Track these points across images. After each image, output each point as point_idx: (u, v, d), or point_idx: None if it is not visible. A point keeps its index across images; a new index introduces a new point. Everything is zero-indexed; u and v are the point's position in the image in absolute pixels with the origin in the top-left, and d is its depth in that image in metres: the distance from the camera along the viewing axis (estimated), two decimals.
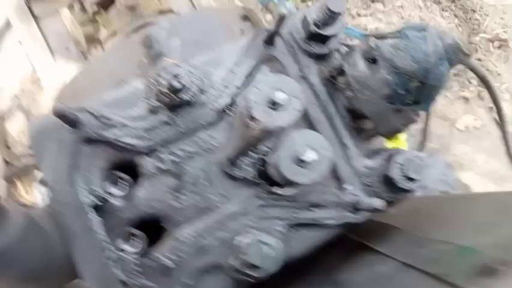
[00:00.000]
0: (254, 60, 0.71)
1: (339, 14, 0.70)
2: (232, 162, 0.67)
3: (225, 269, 0.68)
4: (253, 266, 0.64)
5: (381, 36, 0.68)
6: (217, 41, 0.93)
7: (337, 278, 0.77)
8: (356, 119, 0.73)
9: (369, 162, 0.73)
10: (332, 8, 0.68)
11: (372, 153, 0.74)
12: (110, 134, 0.66)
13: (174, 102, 0.66)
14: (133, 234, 0.67)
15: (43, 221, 0.67)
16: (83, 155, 0.66)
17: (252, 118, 0.61)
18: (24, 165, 1.84)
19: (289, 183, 0.62)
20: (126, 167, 0.68)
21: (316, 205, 0.71)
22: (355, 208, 0.71)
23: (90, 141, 0.66)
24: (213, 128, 0.70)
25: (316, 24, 0.71)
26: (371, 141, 0.76)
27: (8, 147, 1.93)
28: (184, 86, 0.65)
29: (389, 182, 0.71)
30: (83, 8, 1.51)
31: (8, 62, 1.97)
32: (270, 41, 0.71)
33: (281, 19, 0.65)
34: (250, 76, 0.71)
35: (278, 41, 0.72)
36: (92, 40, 1.61)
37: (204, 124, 0.69)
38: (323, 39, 0.73)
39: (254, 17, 1.09)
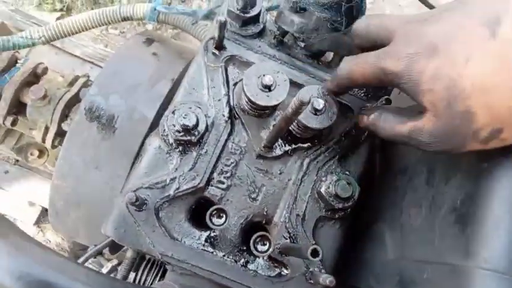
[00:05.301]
0: (219, 67, 0.81)
1: None
2: (269, 147, 0.79)
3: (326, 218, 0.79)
4: (343, 199, 0.76)
5: None
6: (141, 74, 1.00)
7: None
8: (319, 57, 0.87)
9: None
10: None
11: None
12: (171, 191, 0.74)
13: (193, 138, 0.75)
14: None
15: None
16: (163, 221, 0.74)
17: (257, 106, 0.73)
18: None
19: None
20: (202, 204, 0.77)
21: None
22: None
23: (160, 207, 0.75)
24: (233, 135, 0.80)
25: (243, 11, 0.82)
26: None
27: None
28: (196, 120, 0.74)
29: None
30: None
31: None
32: (220, 46, 0.81)
33: (222, 24, 0.75)
34: (227, 81, 0.81)
35: (226, 42, 0.82)
36: None
37: (226, 137, 0.79)
38: (254, 19, 0.84)
39: (155, 35, 1.15)
